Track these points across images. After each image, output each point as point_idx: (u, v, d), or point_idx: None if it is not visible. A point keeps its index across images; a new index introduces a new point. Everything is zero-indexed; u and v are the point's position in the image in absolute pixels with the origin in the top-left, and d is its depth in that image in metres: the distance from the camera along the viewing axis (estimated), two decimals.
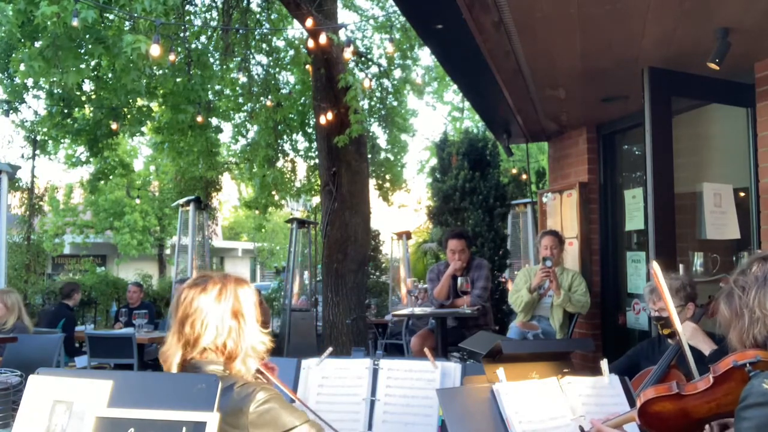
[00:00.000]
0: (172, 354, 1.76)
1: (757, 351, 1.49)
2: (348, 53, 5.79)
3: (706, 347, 2.65)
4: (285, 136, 10.08)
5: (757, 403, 1.40)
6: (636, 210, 4.90)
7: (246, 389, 1.66)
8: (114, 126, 7.83)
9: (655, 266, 1.92)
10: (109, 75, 7.26)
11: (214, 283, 1.80)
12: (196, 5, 8.65)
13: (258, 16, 9.13)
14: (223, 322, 1.76)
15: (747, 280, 1.56)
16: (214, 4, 8.90)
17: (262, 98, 8.80)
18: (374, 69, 9.77)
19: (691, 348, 2.63)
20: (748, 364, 1.47)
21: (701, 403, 1.59)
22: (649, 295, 2.98)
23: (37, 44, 6.14)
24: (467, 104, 12.34)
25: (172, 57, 6.36)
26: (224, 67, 8.27)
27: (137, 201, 17.40)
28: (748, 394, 1.43)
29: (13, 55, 6.76)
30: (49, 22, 5.15)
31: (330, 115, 6.71)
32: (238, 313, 1.79)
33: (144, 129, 8.98)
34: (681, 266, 3.75)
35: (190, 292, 1.78)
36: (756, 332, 1.51)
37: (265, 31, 8.94)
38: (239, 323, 1.78)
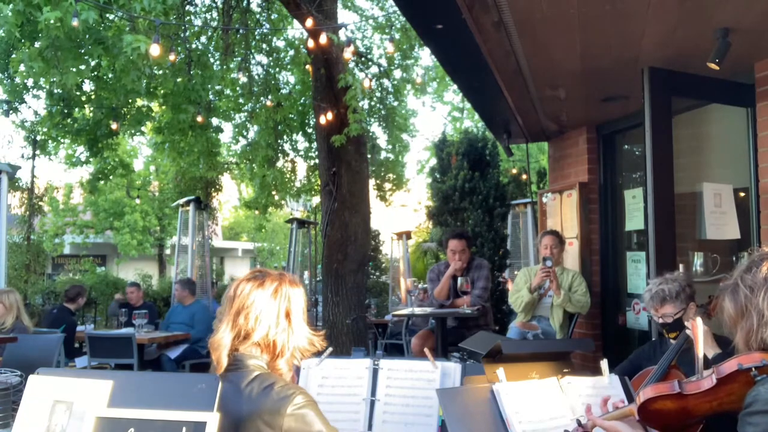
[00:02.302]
0: (224, 344, 1.78)
1: (764, 354, 1.47)
2: (348, 53, 5.79)
3: (711, 351, 2.64)
4: (285, 136, 10.08)
5: (764, 411, 1.39)
6: (636, 210, 4.90)
7: (286, 390, 1.69)
8: (114, 126, 7.83)
9: (699, 322, 1.93)
10: (109, 75, 7.25)
11: (271, 281, 1.85)
12: (196, 5, 8.65)
13: (258, 16, 9.12)
14: (277, 319, 1.81)
15: (756, 280, 1.53)
16: (214, 4, 8.90)
17: (262, 98, 8.80)
18: (374, 69, 9.77)
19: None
20: (753, 368, 1.46)
21: (702, 402, 1.59)
22: (650, 302, 2.97)
23: (37, 44, 6.13)
24: (467, 104, 12.34)
25: (172, 57, 6.35)
26: (224, 67, 8.27)
27: (137, 201, 17.40)
28: (754, 400, 1.42)
29: (14, 55, 6.75)
30: (51, 25, 5.14)
31: (330, 115, 6.71)
32: (289, 313, 1.84)
33: (144, 129, 8.97)
34: (681, 266, 3.75)
35: (248, 285, 1.83)
36: (765, 335, 1.48)
37: (265, 31, 8.94)
38: (290, 323, 1.83)
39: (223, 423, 1.67)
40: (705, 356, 2.62)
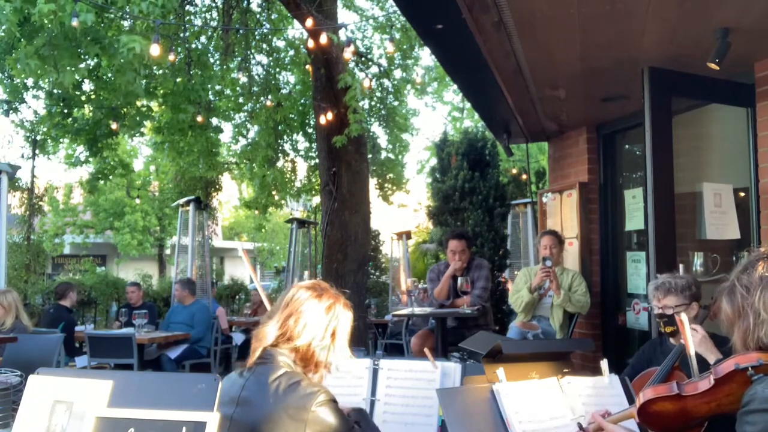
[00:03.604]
0: (268, 338, 1.88)
1: (760, 354, 1.48)
2: (348, 53, 5.78)
3: (712, 357, 2.64)
4: (285, 136, 10.08)
5: (761, 409, 1.39)
6: (636, 210, 4.90)
7: (311, 388, 1.79)
8: (114, 126, 7.82)
9: (683, 317, 1.94)
10: (109, 75, 7.25)
11: (328, 297, 1.94)
12: (196, 5, 8.65)
13: (258, 16, 9.12)
14: (323, 333, 1.89)
15: (751, 279, 1.54)
16: (214, 4, 8.90)
17: (262, 98, 8.80)
18: (374, 69, 9.77)
19: (697, 355, 2.62)
20: (750, 368, 1.46)
21: (701, 403, 1.59)
22: (654, 292, 2.97)
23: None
24: (467, 104, 12.34)
25: (171, 57, 6.35)
26: (224, 67, 8.27)
27: (137, 201, 17.40)
28: (751, 399, 1.42)
29: (12, 54, 6.75)
30: (46, 20, 5.12)
31: (330, 115, 6.71)
32: (335, 333, 1.92)
33: (144, 129, 8.98)
34: (681, 266, 3.75)
35: (306, 293, 1.93)
36: (762, 334, 1.49)
37: (265, 31, 8.94)
38: (333, 341, 1.91)
39: (247, 413, 1.78)
40: (705, 360, 2.62)
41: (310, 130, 9.95)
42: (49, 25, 5.31)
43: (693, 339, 2.64)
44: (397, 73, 10.25)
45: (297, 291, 1.93)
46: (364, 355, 2.45)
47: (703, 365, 2.25)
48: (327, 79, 6.85)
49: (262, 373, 1.83)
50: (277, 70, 9.32)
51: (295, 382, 1.79)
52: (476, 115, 9.94)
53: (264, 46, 8.98)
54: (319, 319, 1.89)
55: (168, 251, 18.40)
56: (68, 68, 5.95)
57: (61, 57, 5.85)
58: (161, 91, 7.84)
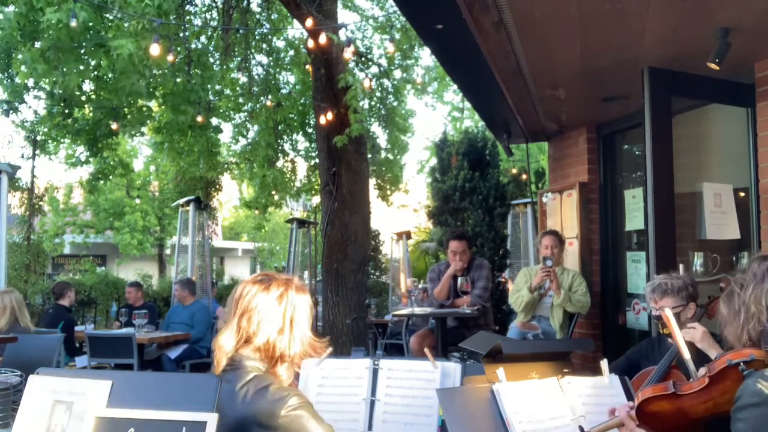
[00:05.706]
0: (226, 346, 1.79)
1: (752, 350, 1.49)
2: (348, 53, 5.78)
3: (714, 352, 2.64)
4: (285, 136, 10.08)
5: (751, 404, 1.40)
6: (636, 210, 4.90)
7: (281, 392, 1.69)
8: (114, 126, 7.82)
9: (668, 312, 1.95)
10: (110, 75, 7.25)
11: (277, 285, 1.84)
12: (196, 5, 8.65)
13: (258, 16, 9.12)
14: (280, 325, 1.80)
15: (745, 277, 1.58)
16: (214, 4, 8.89)
17: (262, 98, 8.79)
18: (374, 69, 9.76)
19: (699, 351, 2.63)
20: (742, 363, 1.47)
21: (698, 403, 1.59)
22: (651, 294, 2.97)
23: (38, 44, 6.11)
24: (467, 104, 12.34)
25: (171, 57, 6.34)
26: (224, 67, 8.26)
27: (137, 201, 17.40)
28: (741, 394, 1.43)
29: (13, 55, 6.74)
30: (53, 26, 5.14)
31: (330, 115, 6.70)
32: (293, 320, 1.82)
33: (144, 129, 8.97)
34: (681, 266, 3.75)
35: (253, 287, 1.82)
36: (750, 328, 1.51)
37: (265, 31, 8.94)
38: (292, 330, 1.82)
39: (218, 423, 1.66)
40: (707, 357, 2.62)
41: (310, 130, 9.94)
42: (56, 33, 5.31)
43: (695, 335, 2.65)
44: (397, 73, 10.25)
45: (243, 288, 1.83)
46: (364, 355, 2.44)
47: (706, 361, 2.25)
48: (327, 79, 6.85)
49: (230, 380, 1.74)
50: (277, 70, 9.31)
51: (264, 386, 1.70)
52: (476, 115, 9.95)
53: (264, 46, 8.98)
54: (272, 311, 1.79)
55: (168, 251, 18.41)
56: (73, 71, 5.96)
57: (66, 60, 5.85)
58: (161, 92, 7.83)
